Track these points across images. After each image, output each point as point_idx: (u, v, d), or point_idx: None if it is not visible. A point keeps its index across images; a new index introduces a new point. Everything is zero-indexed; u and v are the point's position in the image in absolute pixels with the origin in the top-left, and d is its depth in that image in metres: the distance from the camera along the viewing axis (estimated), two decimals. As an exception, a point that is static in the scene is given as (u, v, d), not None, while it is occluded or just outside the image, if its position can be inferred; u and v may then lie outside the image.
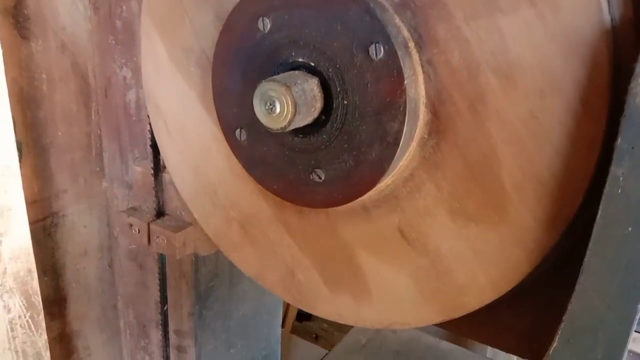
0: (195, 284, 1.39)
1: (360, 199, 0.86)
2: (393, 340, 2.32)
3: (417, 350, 2.27)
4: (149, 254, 1.45)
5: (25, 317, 1.31)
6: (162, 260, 1.37)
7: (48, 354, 1.38)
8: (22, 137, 1.25)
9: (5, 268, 1.23)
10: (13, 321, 1.29)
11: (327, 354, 2.20)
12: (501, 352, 2.80)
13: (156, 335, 1.51)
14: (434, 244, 0.83)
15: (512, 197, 0.74)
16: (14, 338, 1.31)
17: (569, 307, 0.70)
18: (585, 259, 0.67)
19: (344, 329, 2.89)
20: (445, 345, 2.31)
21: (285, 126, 0.76)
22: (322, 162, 0.83)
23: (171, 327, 1.48)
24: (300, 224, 0.97)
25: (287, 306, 3.25)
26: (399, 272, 0.88)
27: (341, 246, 0.94)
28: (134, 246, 1.48)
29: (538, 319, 0.92)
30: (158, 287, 1.39)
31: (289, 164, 0.87)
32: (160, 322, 1.43)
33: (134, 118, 1.33)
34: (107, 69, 1.35)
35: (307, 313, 3.70)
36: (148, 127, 1.21)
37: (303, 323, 3.36)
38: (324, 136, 0.81)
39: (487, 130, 0.73)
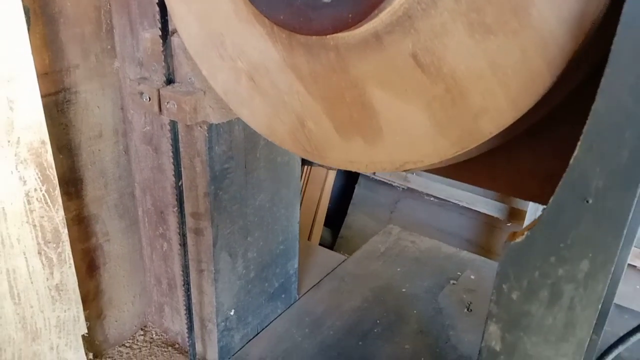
0: (209, 163, 1.38)
1: (372, 24, 0.81)
2: (412, 249, 2.30)
3: (436, 258, 2.25)
4: (163, 135, 1.44)
5: (41, 190, 1.31)
6: (175, 141, 1.35)
7: (66, 231, 1.39)
8: (29, 2, 1.22)
9: (19, 137, 1.23)
10: (29, 194, 1.30)
11: (345, 259, 2.20)
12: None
13: (173, 220, 1.51)
14: (449, 66, 0.78)
15: (535, -2, 0.68)
16: (31, 212, 1.32)
17: (593, 108, 0.65)
18: (613, 46, 0.61)
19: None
20: (465, 254, 2.29)
21: None
22: (330, -21, 0.78)
23: (187, 209, 1.48)
24: (309, 66, 0.93)
25: (309, 232, 3.26)
26: (411, 104, 0.84)
27: (352, 85, 0.89)
28: (148, 128, 1.46)
29: (562, 162, 0.87)
30: (173, 168, 1.37)
31: (295, -13, 0.82)
32: (176, 204, 1.42)
33: (142, -14, 1.28)
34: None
35: (325, 243, 3.72)
36: (156, -6, 1.17)
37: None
38: (332, -55, 0.75)
39: None
